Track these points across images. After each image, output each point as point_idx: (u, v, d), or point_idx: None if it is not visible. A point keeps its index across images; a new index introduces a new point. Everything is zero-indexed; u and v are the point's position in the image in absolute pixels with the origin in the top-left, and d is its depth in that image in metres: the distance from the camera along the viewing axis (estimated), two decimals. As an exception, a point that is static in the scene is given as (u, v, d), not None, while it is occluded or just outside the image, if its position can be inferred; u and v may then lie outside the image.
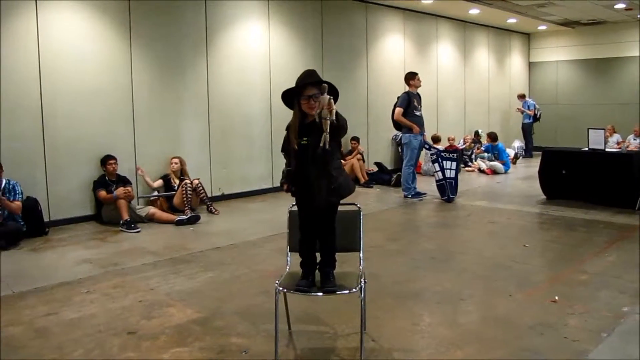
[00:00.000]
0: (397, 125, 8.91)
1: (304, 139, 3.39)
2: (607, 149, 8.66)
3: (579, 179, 8.29)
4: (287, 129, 3.53)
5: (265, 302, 4.08)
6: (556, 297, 4.32)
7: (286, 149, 3.56)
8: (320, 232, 3.47)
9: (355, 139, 10.59)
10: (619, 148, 11.72)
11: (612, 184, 7.88)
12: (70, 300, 4.51)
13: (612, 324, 3.85)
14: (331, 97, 3.12)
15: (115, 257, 5.72)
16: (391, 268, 5.25)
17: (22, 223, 6.39)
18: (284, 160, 3.64)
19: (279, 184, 8.61)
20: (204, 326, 3.97)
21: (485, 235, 6.57)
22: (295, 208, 3.58)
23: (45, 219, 6.84)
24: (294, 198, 3.55)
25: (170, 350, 3.62)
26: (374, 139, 11.48)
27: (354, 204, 3.66)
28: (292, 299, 3.81)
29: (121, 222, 6.89)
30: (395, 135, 11.32)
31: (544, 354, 3.47)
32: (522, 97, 14.86)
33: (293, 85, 3.45)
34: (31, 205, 6.64)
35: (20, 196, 6.38)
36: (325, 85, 3.17)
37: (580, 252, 5.74)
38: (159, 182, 7.87)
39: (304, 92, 3.37)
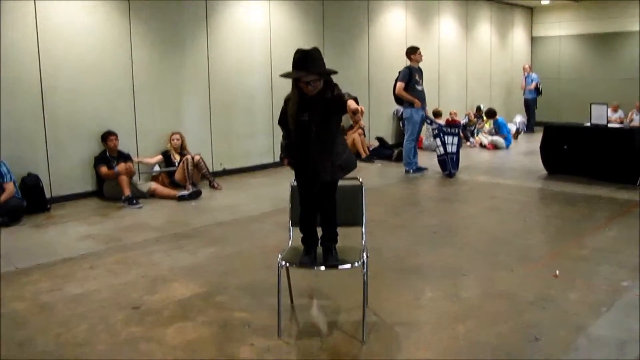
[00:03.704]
0: (399, 99, 8.85)
1: (304, 114, 3.36)
2: (609, 125, 8.62)
3: (580, 154, 8.27)
4: (286, 102, 3.49)
5: (268, 276, 4.10)
6: (557, 272, 4.33)
7: (284, 121, 3.53)
8: (321, 207, 3.47)
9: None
10: (621, 123, 11.67)
11: (613, 160, 7.87)
12: (74, 275, 4.53)
13: (611, 299, 3.87)
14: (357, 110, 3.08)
15: (117, 233, 5.73)
16: (393, 243, 5.27)
17: (22, 199, 6.38)
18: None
19: (279, 159, 8.68)
20: (207, 301, 3.99)
21: (487, 210, 6.57)
22: (297, 185, 3.58)
23: (47, 196, 6.84)
24: (295, 176, 3.55)
25: (173, 324, 3.64)
26: (375, 114, 11.43)
27: (356, 179, 3.66)
28: (294, 274, 3.83)
29: (123, 198, 6.90)
30: (397, 110, 11.27)
31: (545, 328, 3.49)
32: (527, 69, 14.63)
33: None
34: (32, 182, 6.64)
35: (9, 176, 6.32)
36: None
37: (580, 227, 5.75)
38: (158, 157, 7.85)
39: (302, 79, 3.30)
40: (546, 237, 5.60)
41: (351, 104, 3.12)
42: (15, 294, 4.15)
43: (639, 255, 4.69)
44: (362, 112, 3.02)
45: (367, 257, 3.44)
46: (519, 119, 14.53)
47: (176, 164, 7.73)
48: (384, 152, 10.69)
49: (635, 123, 12.54)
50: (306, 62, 3.25)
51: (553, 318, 3.62)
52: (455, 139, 8.78)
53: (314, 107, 3.32)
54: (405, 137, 8.94)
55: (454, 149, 8.75)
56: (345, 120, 10.10)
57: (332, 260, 3.41)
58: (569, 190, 7.50)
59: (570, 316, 3.64)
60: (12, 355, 3.27)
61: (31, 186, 6.61)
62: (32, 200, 6.52)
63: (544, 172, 8.71)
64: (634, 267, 4.43)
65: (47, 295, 4.12)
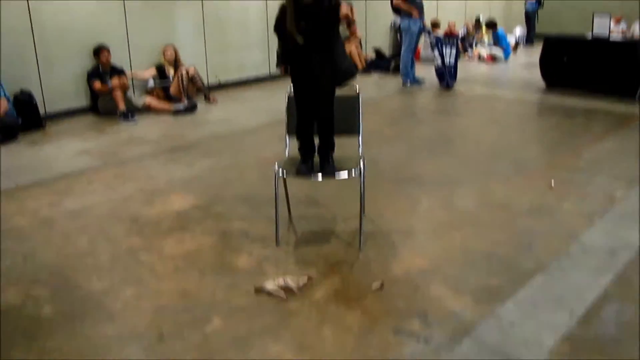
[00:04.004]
0: (396, 10, 8.63)
1: (302, 22, 3.27)
2: (611, 39, 8.42)
3: (580, 67, 8.13)
4: (282, 9, 3.39)
5: (265, 187, 4.13)
6: (552, 182, 4.36)
7: (280, 28, 3.44)
8: (319, 115, 3.43)
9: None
10: (624, 35, 11.43)
11: (613, 73, 7.74)
12: (72, 191, 4.56)
13: (605, 208, 3.92)
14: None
15: (113, 148, 5.73)
16: (390, 153, 5.27)
17: (17, 117, 6.32)
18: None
19: (275, 69, 8.54)
20: (205, 212, 4.04)
21: (484, 122, 6.55)
22: (293, 93, 3.53)
23: (41, 112, 6.77)
24: (292, 84, 3.49)
25: (173, 234, 3.70)
26: (372, 25, 11.17)
27: (353, 89, 3.61)
28: (291, 184, 3.85)
29: (118, 112, 6.84)
30: (394, 21, 11.01)
31: (539, 236, 3.54)
32: None
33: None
34: (25, 99, 6.55)
35: (2, 92, 6.21)
36: None
37: (578, 139, 5.74)
38: (151, 71, 7.70)
39: None
40: (543, 148, 5.60)
41: (342, 8, 3.04)
42: (16, 209, 4.18)
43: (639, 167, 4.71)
44: (352, 19, 2.97)
45: (364, 165, 3.45)
46: (519, 31, 14.22)
47: (170, 77, 7.61)
48: (381, 63, 10.53)
49: (637, 35, 12.27)
50: None
51: (547, 227, 3.67)
52: (454, 51, 8.63)
53: (310, 15, 3.23)
54: (403, 48, 8.76)
55: (452, 61, 8.61)
56: (342, 32, 9.92)
57: (329, 168, 3.41)
58: (568, 103, 7.44)
59: (563, 225, 3.69)
60: (17, 268, 3.33)
61: (24, 103, 6.53)
62: (26, 117, 6.46)
63: (543, 84, 8.61)
64: (629, 178, 4.45)
65: (47, 211, 4.16)
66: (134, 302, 2.96)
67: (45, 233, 3.78)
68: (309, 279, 3.08)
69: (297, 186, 4.05)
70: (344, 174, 3.39)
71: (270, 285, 3.01)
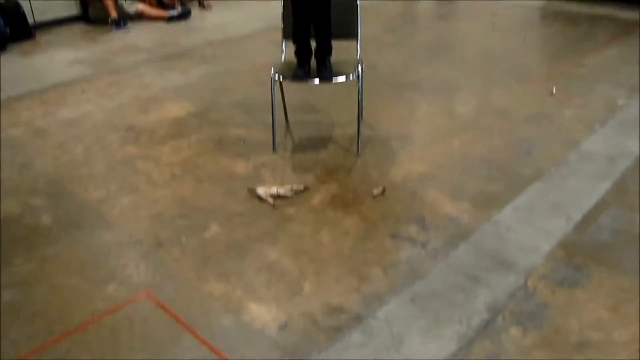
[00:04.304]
0: None
1: None
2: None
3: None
4: None
5: (262, 93, 4.05)
6: (554, 90, 4.26)
7: None
8: (316, 17, 3.30)
9: None
10: None
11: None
12: (66, 100, 4.47)
13: (606, 116, 3.84)
14: None
15: (106, 56, 5.58)
16: (389, 59, 5.14)
17: (5, 27, 6.11)
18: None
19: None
20: (201, 119, 3.98)
21: (485, 28, 6.33)
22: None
23: (30, 22, 6.55)
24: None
25: (168, 142, 3.65)
26: None
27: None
28: (288, 90, 3.77)
29: (109, 20, 6.62)
30: None
31: (538, 143, 3.49)
32: None
33: None
34: (12, 8, 6.31)
35: None
36: None
37: (581, 46, 5.55)
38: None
39: None
40: (545, 55, 5.44)
41: None
42: (11, 120, 4.12)
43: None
44: None
45: (362, 70, 3.35)
46: None
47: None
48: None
49: None
50: None
51: (546, 134, 3.61)
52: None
53: None
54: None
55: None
56: None
57: (326, 73, 3.32)
58: (572, 9, 7.16)
59: (563, 132, 3.63)
60: (13, 179, 3.31)
61: (12, 12, 6.28)
62: (14, 27, 6.22)
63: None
64: (631, 86, 4.34)
65: (41, 121, 4.10)
66: (131, 209, 2.96)
67: (40, 143, 3.74)
68: (305, 188, 3.06)
69: (295, 92, 3.97)
70: (341, 78, 3.30)
71: (261, 190, 3.00)
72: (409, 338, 2.07)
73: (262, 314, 2.23)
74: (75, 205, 3.03)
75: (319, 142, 3.62)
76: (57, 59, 5.59)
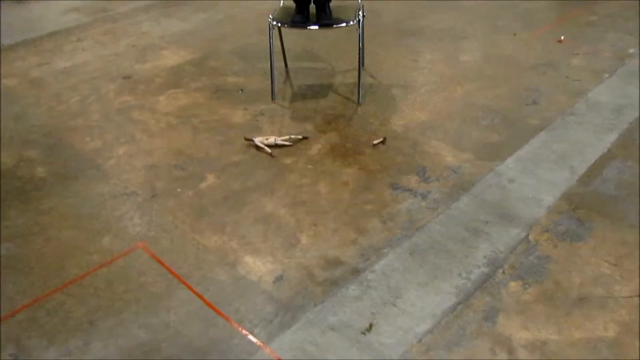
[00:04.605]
0: None
1: None
2: None
3: None
4: None
5: (261, 40, 3.94)
6: (562, 37, 4.11)
7: None
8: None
9: None
10: None
11: None
12: (62, 49, 4.36)
13: (615, 65, 3.70)
14: None
15: (103, 4, 5.41)
16: (392, 5, 4.97)
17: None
18: None
19: None
20: (199, 67, 3.88)
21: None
22: None
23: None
24: None
25: (166, 91, 3.57)
26: None
27: None
28: (289, 37, 3.67)
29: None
30: None
31: (544, 92, 3.39)
32: None
33: None
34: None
35: None
36: None
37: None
38: None
39: None
40: (555, 1, 5.25)
41: None
42: (5, 70, 4.03)
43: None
44: None
45: (363, 15, 3.24)
46: None
47: None
48: None
49: None
50: None
51: (553, 83, 3.50)
52: None
53: None
54: None
55: None
56: None
57: (325, 18, 3.20)
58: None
59: (570, 81, 3.51)
60: (8, 130, 3.26)
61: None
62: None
63: None
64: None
65: (36, 70, 4.01)
66: (126, 160, 2.91)
67: (35, 93, 3.67)
68: (304, 137, 2.99)
69: (295, 39, 3.87)
70: (341, 25, 3.19)
71: (259, 140, 2.93)
72: (406, 292, 2.03)
73: (258, 266, 2.20)
74: (70, 156, 2.98)
75: (319, 91, 3.53)
76: (53, 7, 5.44)
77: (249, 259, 2.23)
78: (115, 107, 3.43)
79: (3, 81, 3.85)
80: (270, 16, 3.24)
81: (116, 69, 3.92)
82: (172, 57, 4.06)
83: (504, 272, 2.10)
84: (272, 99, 3.39)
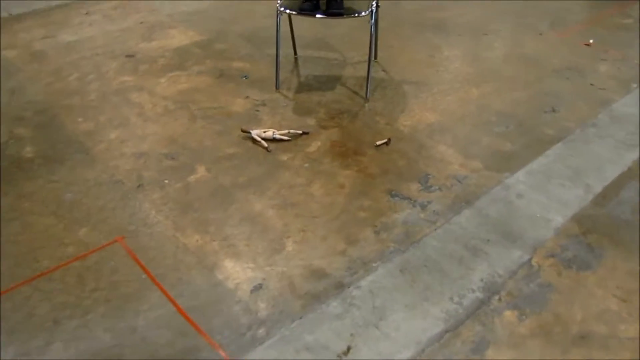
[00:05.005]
0: None
1: None
2: None
3: None
4: None
5: (273, 25, 3.72)
6: (591, 40, 3.87)
7: None
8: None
9: None
10: None
11: None
12: (68, 22, 4.24)
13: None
14: None
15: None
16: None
17: None
18: None
19: None
20: (206, 49, 3.72)
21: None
22: None
23: None
24: None
25: (167, 74, 3.43)
26: None
27: None
28: (302, 24, 3.50)
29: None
30: None
31: (565, 99, 3.18)
32: None
33: None
34: None
35: None
36: None
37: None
38: None
39: None
40: (586, 0, 5.00)
41: None
42: (8, 41, 3.92)
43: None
44: None
45: (377, 6, 3.05)
46: None
47: None
48: None
49: None
50: None
51: (576, 90, 3.28)
52: None
53: None
54: None
55: None
56: None
57: (335, 7, 3.02)
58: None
59: (595, 90, 3.28)
60: (2, 104, 3.14)
61: None
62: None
63: None
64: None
65: (40, 43, 3.89)
66: (117, 146, 2.77)
67: (35, 67, 3.55)
68: (304, 132, 2.83)
69: (308, 26, 3.69)
70: (352, 14, 3.00)
71: (256, 132, 2.78)
72: (391, 313, 1.88)
73: (237, 272, 2.05)
74: (60, 137, 2.85)
75: (326, 82, 3.35)
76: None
77: (228, 263, 2.09)
78: (114, 88, 3.29)
79: (3, 52, 3.74)
80: (279, 1, 3.07)
81: (120, 47, 3.79)
82: (179, 37, 3.91)
83: (500, 299, 1.93)
84: (276, 88, 3.22)
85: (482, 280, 2.00)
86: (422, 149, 2.73)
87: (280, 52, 3.20)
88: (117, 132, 2.87)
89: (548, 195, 2.40)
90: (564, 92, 3.23)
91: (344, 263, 2.09)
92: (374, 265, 2.07)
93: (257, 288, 1.99)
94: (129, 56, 3.65)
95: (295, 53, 3.59)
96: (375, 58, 3.42)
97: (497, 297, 1.93)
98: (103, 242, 2.20)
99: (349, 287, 1.98)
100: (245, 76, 3.36)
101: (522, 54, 3.70)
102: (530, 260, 2.08)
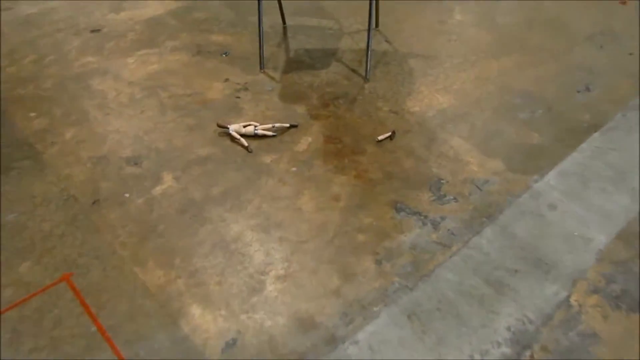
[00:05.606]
0: None
1: None
2: None
3: None
4: None
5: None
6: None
7: None
8: None
9: None
10: None
11: None
12: (33, -12, 3.76)
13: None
14: None
15: None
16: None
17: None
18: None
19: None
20: (182, 20, 3.24)
21: None
22: None
23: None
24: None
25: (137, 52, 2.97)
26: None
27: None
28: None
29: None
30: None
31: (600, 73, 2.70)
32: None
33: None
34: None
35: None
36: None
37: None
38: None
39: None
40: None
41: None
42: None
43: None
44: None
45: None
46: None
47: None
48: None
49: None
50: None
51: (612, 61, 2.78)
52: None
53: None
54: None
55: None
56: None
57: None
58: None
59: (635, 60, 2.76)
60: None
61: None
62: None
63: None
64: None
65: (-1, 13, 3.43)
66: (72, 148, 2.35)
67: (-12, 46, 3.11)
68: (292, 126, 2.39)
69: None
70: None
71: (234, 128, 2.34)
72: (396, 380, 1.49)
73: (206, 322, 1.67)
74: (8, 139, 2.43)
75: (320, 58, 2.88)
76: None
77: (196, 310, 1.70)
78: (74, 72, 2.84)
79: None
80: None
81: (86, 19, 3.32)
82: (153, 5, 3.42)
83: (532, 355, 1.53)
84: (261, 68, 2.76)
85: (509, 329, 1.60)
86: (433, 143, 2.29)
87: (264, 22, 2.74)
88: (74, 130, 2.45)
89: (586, 205, 1.97)
90: (598, 65, 2.75)
91: (338, 307, 1.69)
92: (375, 309, 1.68)
93: (230, 345, 1.60)
94: (95, 31, 3.18)
95: (283, 22, 3.11)
96: (377, 26, 2.94)
97: (528, 353, 1.54)
98: (47, 282, 1.81)
99: (343, 343, 1.59)
100: (225, 53, 2.90)
101: (547, 18, 3.19)
102: (568, 298, 1.68)
